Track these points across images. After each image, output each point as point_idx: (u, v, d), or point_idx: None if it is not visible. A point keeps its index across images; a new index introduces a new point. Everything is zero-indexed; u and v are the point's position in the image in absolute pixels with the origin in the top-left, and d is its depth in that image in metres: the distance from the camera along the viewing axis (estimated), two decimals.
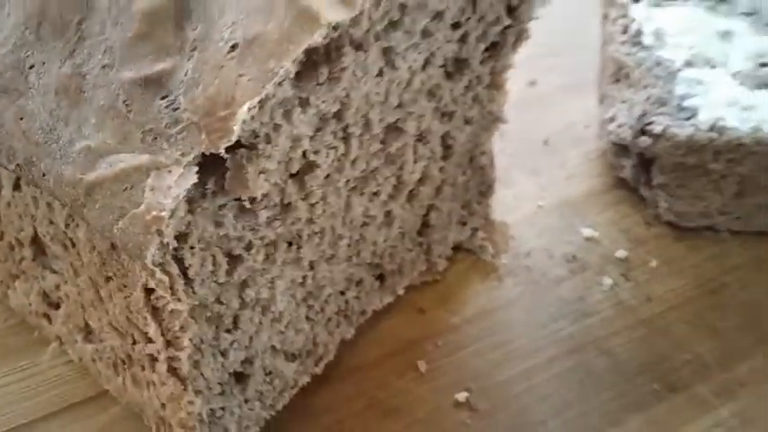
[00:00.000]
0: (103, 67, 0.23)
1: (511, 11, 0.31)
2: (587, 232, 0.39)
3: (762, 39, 0.39)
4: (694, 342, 0.35)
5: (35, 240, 0.28)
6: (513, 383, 0.34)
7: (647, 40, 0.38)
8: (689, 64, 0.37)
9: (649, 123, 0.34)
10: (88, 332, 0.29)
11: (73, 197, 0.23)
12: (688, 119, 0.34)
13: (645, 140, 0.34)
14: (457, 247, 0.37)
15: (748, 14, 0.41)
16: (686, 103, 0.35)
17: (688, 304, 0.37)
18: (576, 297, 0.37)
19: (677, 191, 0.37)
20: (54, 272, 0.28)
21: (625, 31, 0.38)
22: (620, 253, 0.38)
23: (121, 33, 0.23)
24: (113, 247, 0.23)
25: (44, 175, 0.23)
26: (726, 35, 0.39)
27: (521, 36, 0.33)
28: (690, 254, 0.39)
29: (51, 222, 0.26)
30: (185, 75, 0.22)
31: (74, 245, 0.26)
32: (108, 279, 0.25)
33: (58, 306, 0.30)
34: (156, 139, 0.22)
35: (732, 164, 0.35)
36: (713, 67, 0.37)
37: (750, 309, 0.37)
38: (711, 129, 0.34)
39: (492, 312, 0.36)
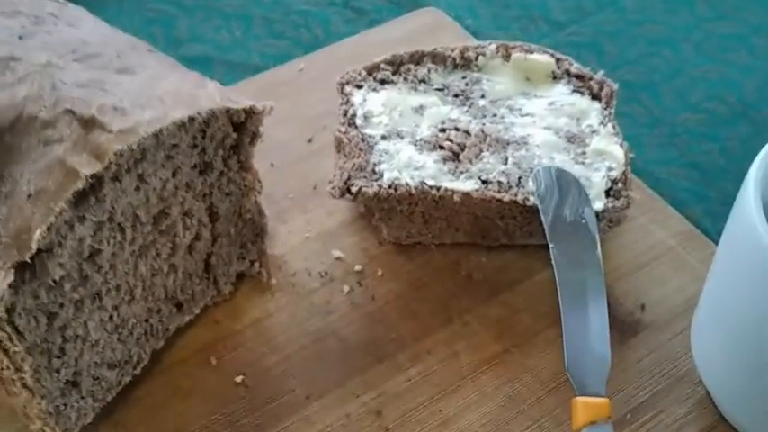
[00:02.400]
0: None
1: (236, 128, 0.47)
2: (336, 253, 0.55)
3: (446, 108, 0.55)
4: (399, 325, 0.51)
5: None
6: (275, 366, 0.49)
7: (358, 120, 0.54)
8: (384, 137, 0.52)
9: (351, 185, 0.51)
10: None
11: None
12: (377, 180, 0.51)
13: (348, 197, 0.51)
14: (240, 275, 0.54)
15: (440, 90, 0.57)
16: (377, 169, 0.51)
17: (399, 299, 0.53)
18: (324, 301, 0.53)
19: (389, 222, 0.53)
20: None
21: (345, 114, 0.54)
22: (358, 267, 0.54)
23: None
24: None
25: None
26: (419, 109, 0.55)
27: (254, 137, 0.48)
28: (406, 263, 0.54)
29: None
30: (2, 215, 0.38)
31: None
32: None
33: None
34: None
35: (411, 206, 0.51)
36: (402, 138, 0.53)
37: (443, 298, 0.53)
38: (390, 186, 0.50)
39: (264, 318, 0.52)
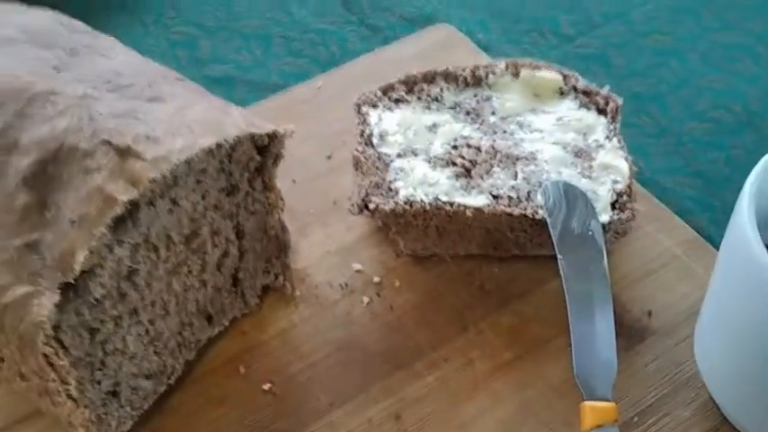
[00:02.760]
0: (3, 239, 0.42)
1: (260, 151, 0.50)
2: (356, 266, 0.58)
3: (458, 126, 0.58)
4: (417, 334, 0.54)
5: None
6: (300, 374, 0.52)
7: (375, 140, 0.57)
8: (399, 155, 0.55)
9: (368, 202, 0.53)
10: (22, 376, 0.48)
11: None
12: (393, 197, 0.53)
13: (366, 213, 0.54)
14: (266, 287, 0.57)
15: (452, 108, 0.60)
16: (393, 186, 0.54)
17: (416, 309, 0.55)
18: (345, 312, 0.55)
19: (405, 236, 0.56)
20: None
21: (362, 134, 0.57)
22: (376, 278, 0.57)
23: (8, 218, 0.42)
24: (20, 335, 0.42)
25: None
26: (433, 127, 0.57)
27: (277, 158, 0.52)
28: (421, 274, 0.57)
29: None
30: (48, 240, 0.41)
31: (3, 329, 0.45)
32: (25, 348, 0.44)
33: (2, 360, 0.49)
34: (35, 277, 0.41)
35: (426, 221, 0.54)
36: (416, 155, 0.55)
37: (457, 308, 0.56)
38: (405, 203, 0.53)
39: (289, 329, 0.55)
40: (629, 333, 0.54)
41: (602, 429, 0.45)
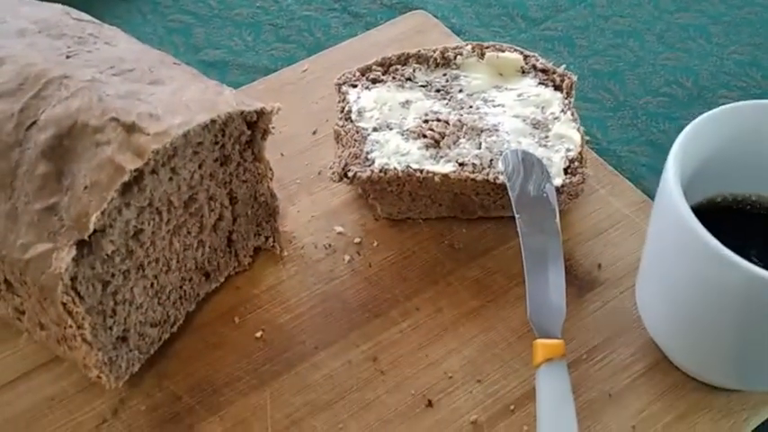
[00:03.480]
0: (26, 203, 0.48)
1: (250, 126, 0.57)
2: (338, 228, 0.64)
3: (429, 102, 0.65)
4: (392, 287, 0.60)
5: (6, 281, 0.53)
6: (288, 323, 0.59)
7: (353, 115, 0.63)
8: (375, 129, 0.62)
9: (348, 171, 0.60)
10: (41, 325, 0.54)
11: (20, 266, 0.48)
12: (369, 166, 0.60)
13: (345, 181, 0.60)
14: (257, 248, 0.63)
15: (423, 86, 0.66)
16: (369, 156, 0.60)
17: (392, 266, 0.62)
18: (328, 269, 0.62)
19: (382, 201, 0.62)
20: (19, 296, 0.53)
21: (342, 110, 0.63)
22: (357, 239, 0.63)
23: (30, 186, 0.48)
24: (41, 287, 0.49)
25: (5, 256, 0.49)
26: (406, 103, 0.64)
27: (265, 133, 0.58)
28: (397, 235, 0.63)
29: (12, 273, 0.52)
30: (65, 203, 0.48)
31: (26, 283, 0.51)
32: (44, 299, 0.51)
33: (24, 313, 0.55)
34: (54, 236, 0.47)
35: (399, 187, 0.60)
36: (391, 129, 0.62)
37: (429, 264, 0.62)
38: (380, 171, 0.59)
39: (278, 285, 0.61)
40: (581, 283, 0.60)
41: (552, 363, 0.52)
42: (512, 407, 0.55)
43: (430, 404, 0.55)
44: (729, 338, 0.49)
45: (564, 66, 0.66)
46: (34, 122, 0.50)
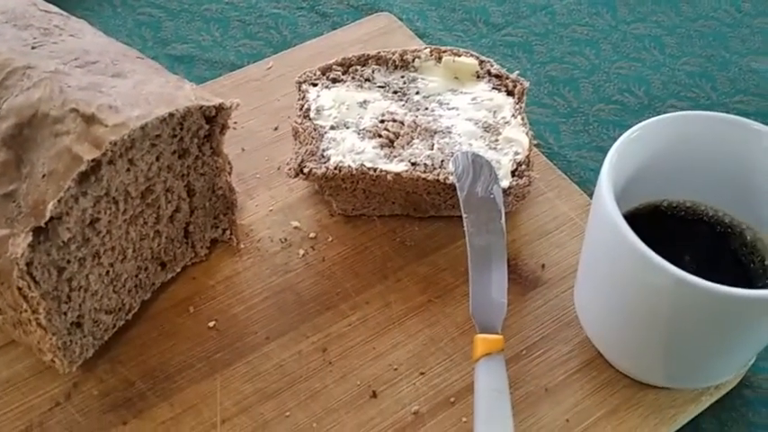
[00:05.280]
0: None
1: (209, 120, 0.58)
2: (295, 223, 0.66)
3: (386, 103, 0.67)
4: (344, 281, 0.62)
5: None
6: (241, 314, 0.60)
7: (312, 113, 0.65)
8: (333, 127, 0.64)
9: (304, 167, 0.62)
10: None
11: None
12: (325, 163, 0.62)
13: (301, 176, 0.62)
14: (214, 240, 0.65)
15: (381, 87, 0.68)
16: (325, 154, 0.62)
17: (345, 260, 0.64)
18: (283, 262, 0.64)
19: (337, 198, 0.65)
20: None
21: (301, 108, 0.65)
22: (312, 234, 0.65)
23: None
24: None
25: None
26: (364, 103, 0.66)
27: (223, 128, 0.60)
28: (351, 231, 0.65)
29: None
30: (23, 190, 0.49)
31: None
32: (1, 284, 0.52)
33: None
34: (11, 222, 0.49)
35: (353, 184, 0.62)
36: (348, 127, 0.64)
37: (381, 260, 0.65)
38: (335, 168, 0.61)
39: (233, 276, 0.63)
40: (525, 282, 0.63)
41: (491, 357, 0.54)
42: (452, 399, 0.57)
43: (374, 395, 0.57)
44: (659, 339, 0.52)
45: (518, 72, 0.68)
46: None
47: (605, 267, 0.53)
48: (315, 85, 0.67)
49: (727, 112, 0.76)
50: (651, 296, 0.49)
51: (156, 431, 0.55)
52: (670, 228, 0.57)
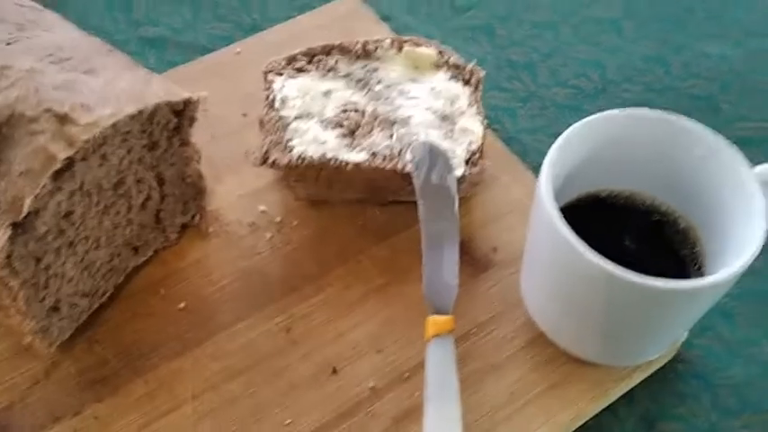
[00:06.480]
0: None
1: (177, 114, 0.62)
2: (262, 207, 0.69)
3: (349, 92, 0.70)
4: (308, 264, 0.66)
5: None
6: (210, 296, 0.64)
7: (277, 104, 0.68)
8: (297, 118, 0.67)
9: (268, 156, 0.65)
10: None
11: None
12: (289, 153, 0.65)
13: (266, 166, 0.65)
14: (184, 225, 0.69)
15: (345, 77, 0.71)
16: (289, 144, 0.66)
17: (309, 244, 0.67)
18: (251, 245, 0.67)
19: (301, 184, 0.68)
20: None
21: (267, 98, 0.69)
22: (278, 218, 0.69)
23: None
24: None
25: None
26: (327, 93, 0.69)
27: (192, 120, 0.63)
28: (315, 215, 0.68)
29: None
30: (1, 187, 0.53)
31: None
32: None
33: None
34: None
35: (316, 173, 0.66)
36: (311, 118, 0.67)
37: (343, 243, 0.68)
38: (298, 158, 0.65)
39: (203, 259, 0.66)
40: (477, 264, 0.67)
41: (441, 337, 0.59)
42: (407, 374, 0.61)
43: (335, 371, 0.61)
44: (594, 323, 0.56)
45: (475, 61, 0.71)
46: None
47: (545, 257, 0.57)
48: (280, 74, 0.70)
49: (678, 97, 0.80)
50: (586, 286, 0.53)
51: (132, 407, 0.60)
52: (609, 216, 0.61)
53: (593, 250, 0.51)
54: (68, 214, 0.57)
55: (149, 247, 0.66)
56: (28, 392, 0.60)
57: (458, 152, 0.66)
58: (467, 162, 0.66)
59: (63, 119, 0.54)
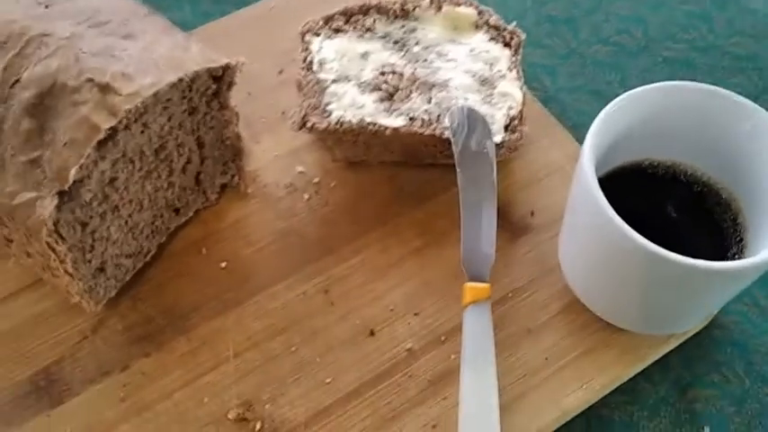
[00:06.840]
0: (12, 155, 0.54)
1: (216, 79, 0.62)
2: (300, 168, 0.70)
3: (386, 54, 0.69)
4: (346, 225, 0.67)
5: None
6: (249, 256, 0.66)
7: (315, 66, 0.68)
8: (335, 81, 0.67)
9: (307, 121, 0.65)
10: (28, 254, 0.60)
11: (7, 210, 0.54)
12: (327, 117, 0.65)
13: (305, 130, 0.66)
14: (223, 185, 0.69)
15: (382, 37, 0.70)
16: (328, 108, 0.66)
17: (347, 205, 0.67)
18: (289, 207, 0.68)
19: (339, 146, 0.68)
20: (7, 227, 0.60)
21: (304, 60, 0.68)
22: (316, 179, 0.70)
23: (15, 140, 0.54)
24: (27, 228, 0.55)
25: None
26: (365, 54, 0.69)
27: (230, 85, 0.63)
28: (353, 176, 0.69)
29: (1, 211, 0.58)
30: (47, 157, 0.53)
31: (14, 219, 0.57)
32: (30, 236, 0.57)
33: (12, 241, 0.61)
34: (38, 185, 0.53)
35: (354, 137, 0.66)
36: (349, 80, 0.67)
37: (380, 205, 0.69)
38: (337, 123, 0.65)
39: (242, 220, 0.68)
40: (515, 228, 0.67)
41: (477, 304, 0.59)
42: (443, 338, 0.62)
43: (372, 333, 0.63)
44: (632, 294, 0.57)
45: (515, 22, 0.70)
46: (17, 80, 0.55)
47: (584, 228, 0.57)
48: (318, 35, 0.69)
49: (722, 56, 0.79)
50: (624, 260, 0.54)
51: (176, 363, 0.61)
52: (650, 185, 0.60)
53: (630, 228, 0.51)
54: (112, 181, 0.57)
55: (190, 208, 0.67)
56: (77, 347, 0.62)
57: (497, 117, 0.66)
58: (506, 128, 0.66)
59: (105, 88, 0.54)
